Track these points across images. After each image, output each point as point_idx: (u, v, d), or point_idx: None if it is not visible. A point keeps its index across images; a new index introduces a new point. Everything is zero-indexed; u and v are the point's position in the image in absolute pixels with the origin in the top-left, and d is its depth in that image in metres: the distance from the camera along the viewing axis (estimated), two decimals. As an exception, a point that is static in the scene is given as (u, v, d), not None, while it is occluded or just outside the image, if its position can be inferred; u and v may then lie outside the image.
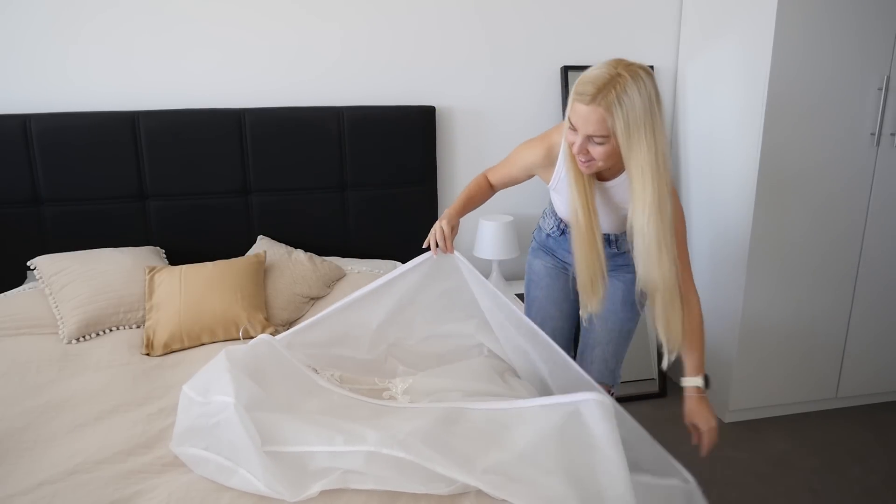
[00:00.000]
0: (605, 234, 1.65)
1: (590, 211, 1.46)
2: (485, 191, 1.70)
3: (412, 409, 1.39)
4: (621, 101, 1.26)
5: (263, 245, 2.26)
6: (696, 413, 1.51)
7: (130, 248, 2.16)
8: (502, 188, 1.72)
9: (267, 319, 1.94)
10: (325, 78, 2.42)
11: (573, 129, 1.34)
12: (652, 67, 2.64)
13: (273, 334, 1.91)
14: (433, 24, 2.46)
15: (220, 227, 2.33)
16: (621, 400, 2.65)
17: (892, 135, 2.30)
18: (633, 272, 1.63)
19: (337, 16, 2.38)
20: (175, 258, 2.27)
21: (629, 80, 1.26)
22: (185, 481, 1.19)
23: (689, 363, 1.53)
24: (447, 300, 1.67)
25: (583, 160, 1.37)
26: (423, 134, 2.44)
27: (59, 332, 1.89)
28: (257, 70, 2.36)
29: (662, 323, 1.48)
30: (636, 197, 1.34)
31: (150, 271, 1.99)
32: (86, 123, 2.16)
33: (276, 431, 1.24)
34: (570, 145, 1.38)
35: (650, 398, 2.70)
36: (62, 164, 2.16)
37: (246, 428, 1.21)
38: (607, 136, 1.30)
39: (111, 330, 1.93)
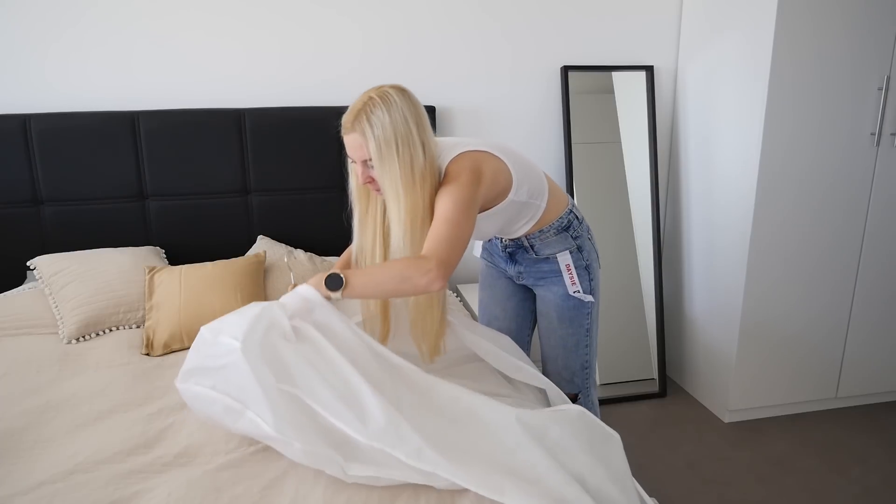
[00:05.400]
0: (515, 240, 1.65)
1: (386, 249, 1.46)
2: (350, 258, 1.62)
3: (424, 380, 1.36)
4: (372, 122, 1.31)
5: (263, 245, 2.26)
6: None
7: (130, 248, 2.16)
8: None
9: (267, 319, 1.94)
10: (325, 78, 2.42)
11: (353, 160, 1.39)
12: (651, 67, 2.64)
13: None
14: (433, 24, 2.46)
15: (220, 227, 2.33)
16: (621, 400, 2.67)
17: (893, 135, 2.30)
18: (563, 284, 1.64)
19: (337, 16, 2.38)
20: (175, 258, 2.27)
21: (378, 101, 1.32)
22: (185, 481, 1.19)
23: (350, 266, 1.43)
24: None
25: (375, 188, 1.40)
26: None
27: (59, 332, 1.89)
28: (258, 70, 2.36)
29: (419, 330, 1.48)
30: (391, 213, 1.37)
31: (149, 271, 1.99)
32: (86, 123, 2.16)
33: (290, 369, 1.22)
34: (357, 178, 1.41)
35: (650, 398, 2.70)
36: (62, 164, 2.16)
37: (255, 371, 1.19)
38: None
39: (111, 330, 1.93)
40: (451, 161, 1.40)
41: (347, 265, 1.61)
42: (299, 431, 1.15)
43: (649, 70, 2.65)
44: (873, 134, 2.28)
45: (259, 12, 2.31)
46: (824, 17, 2.13)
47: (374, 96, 1.33)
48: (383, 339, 1.57)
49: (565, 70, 2.58)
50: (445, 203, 1.34)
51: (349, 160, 1.41)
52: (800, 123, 2.22)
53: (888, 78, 2.23)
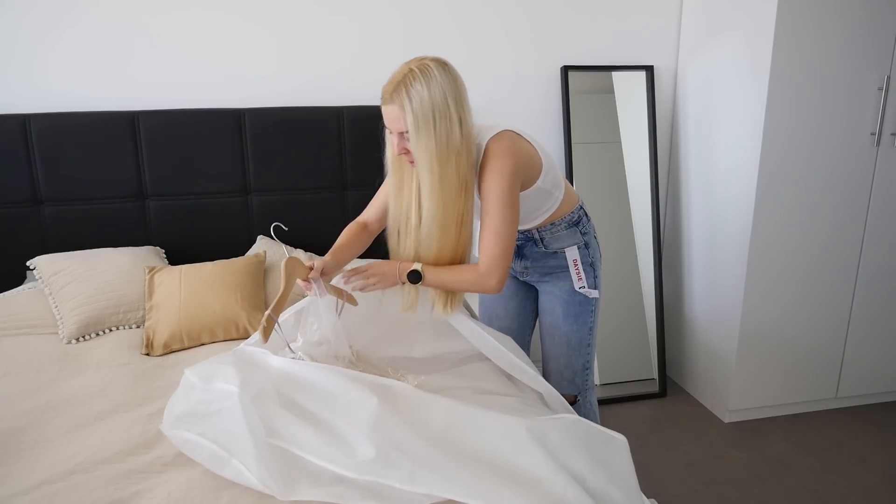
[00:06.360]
0: (525, 232, 1.65)
1: (420, 220, 1.48)
2: (356, 234, 1.65)
3: (418, 396, 1.36)
4: (410, 95, 1.32)
5: (263, 245, 2.26)
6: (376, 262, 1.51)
7: (130, 248, 2.16)
8: (380, 225, 1.68)
9: (267, 319, 1.94)
10: (325, 78, 2.42)
11: (390, 131, 1.40)
12: (651, 67, 2.64)
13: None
14: (432, 24, 2.46)
15: (220, 227, 2.33)
16: (621, 400, 2.67)
17: (893, 135, 2.30)
18: (569, 279, 1.65)
19: (337, 16, 2.38)
20: (175, 258, 2.27)
21: (418, 73, 1.33)
22: (185, 481, 1.19)
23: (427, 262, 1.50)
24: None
25: (410, 160, 1.42)
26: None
27: (59, 332, 1.89)
28: (258, 70, 2.36)
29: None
30: (424, 186, 1.39)
31: (149, 271, 1.99)
32: (86, 123, 2.16)
33: (278, 426, 1.23)
34: (393, 148, 1.43)
35: (650, 398, 2.70)
36: (62, 164, 2.15)
37: (248, 419, 1.20)
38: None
39: (111, 330, 1.93)
40: (491, 139, 1.42)
41: (347, 246, 1.61)
42: (283, 482, 1.13)
43: (649, 70, 2.65)
44: (873, 134, 2.28)
45: (259, 12, 2.31)
46: (824, 17, 2.13)
47: (415, 68, 1.33)
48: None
49: (565, 70, 2.58)
50: (494, 209, 1.39)
51: (386, 129, 1.43)
52: (800, 123, 2.22)
53: (888, 78, 2.23)
